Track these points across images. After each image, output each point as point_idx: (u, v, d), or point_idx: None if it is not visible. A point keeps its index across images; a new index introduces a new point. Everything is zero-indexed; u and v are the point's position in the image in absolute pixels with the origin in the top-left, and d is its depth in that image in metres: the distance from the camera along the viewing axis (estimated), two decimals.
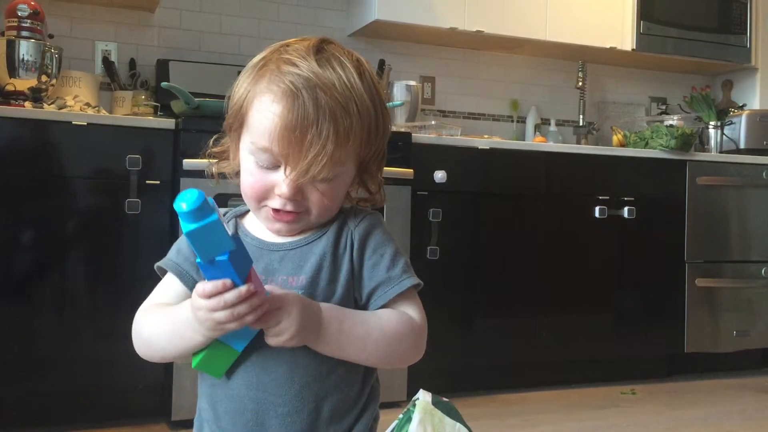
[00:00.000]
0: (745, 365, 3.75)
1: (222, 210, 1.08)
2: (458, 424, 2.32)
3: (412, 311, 1.00)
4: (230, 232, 0.98)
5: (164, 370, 2.63)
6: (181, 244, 1.05)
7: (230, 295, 0.85)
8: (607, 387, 3.33)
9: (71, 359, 2.55)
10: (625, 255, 3.43)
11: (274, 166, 0.95)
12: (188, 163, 2.58)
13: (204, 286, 0.86)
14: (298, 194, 0.95)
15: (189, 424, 2.73)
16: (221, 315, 0.86)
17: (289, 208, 0.96)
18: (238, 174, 1.02)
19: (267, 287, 0.90)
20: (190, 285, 1.02)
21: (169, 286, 1.04)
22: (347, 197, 1.04)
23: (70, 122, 2.55)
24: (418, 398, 2.32)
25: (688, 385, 3.44)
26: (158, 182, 2.63)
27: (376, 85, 0.99)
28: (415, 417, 2.25)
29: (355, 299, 1.00)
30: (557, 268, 3.30)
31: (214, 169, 1.08)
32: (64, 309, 2.55)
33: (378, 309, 0.99)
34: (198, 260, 0.85)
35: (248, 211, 1.05)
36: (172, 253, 1.06)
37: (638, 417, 2.90)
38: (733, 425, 2.81)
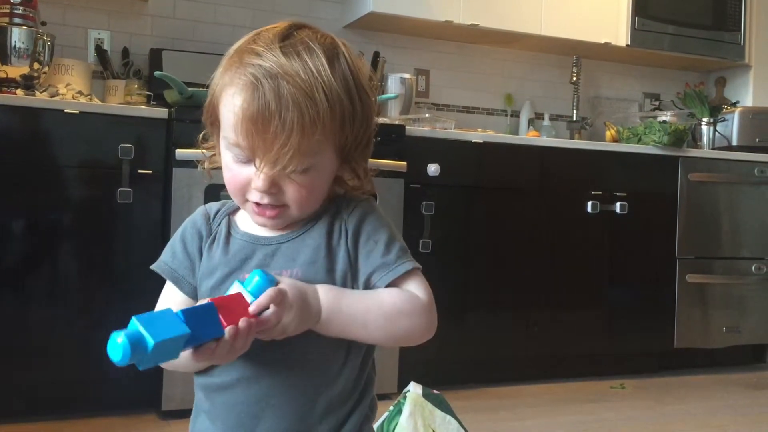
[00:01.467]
0: (734, 361, 3.77)
1: (215, 205, 1.08)
2: (448, 417, 2.33)
3: (415, 289, 0.99)
4: (223, 228, 1.01)
5: None
6: (176, 246, 1.04)
7: (221, 350, 0.85)
8: (597, 381, 3.34)
9: (62, 349, 2.54)
10: (616, 250, 3.44)
11: (248, 160, 0.94)
12: (181, 153, 2.57)
13: (195, 354, 0.86)
14: (273, 187, 0.93)
15: (179, 414, 2.75)
16: (221, 362, 0.90)
17: (266, 201, 0.95)
18: None
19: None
20: (188, 291, 1.02)
21: (169, 296, 1.04)
22: (340, 184, 1.02)
23: (62, 110, 2.54)
24: (409, 390, 2.34)
25: (678, 380, 3.46)
26: (150, 172, 2.62)
27: (352, 70, 0.95)
28: (406, 409, 2.26)
29: (353, 288, 0.99)
30: (549, 262, 3.30)
31: (206, 165, 1.07)
32: (55, 299, 2.54)
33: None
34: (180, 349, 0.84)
35: (238, 209, 1.05)
36: (166, 255, 1.05)
37: (628, 411, 2.92)
38: (722, 420, 2.83)
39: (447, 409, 2.25)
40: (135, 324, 0.81)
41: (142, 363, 0.80)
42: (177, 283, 1.02)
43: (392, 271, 0.98)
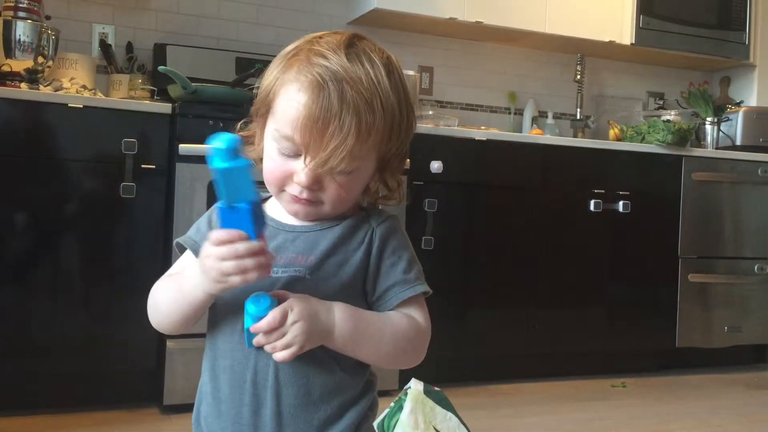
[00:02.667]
0: (736, 361, 3.77)
1: None
2: (449, 414, 2.33)
3: (419, 316, 1.03)
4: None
5: (157, 354, 2.64)
6: (201, 223, 1.08)
7: (242, 246, 0.88)
8: (598, 380, 3.34)
9: (64, 343, 2.54)
10: (618, 249, 3.44)
11: (296, 155, 0.96)
12: (184, 147, 2.58)
13: (218, 233, 0.89)
14: (315, 184, 0.97)
15: (181, 408, 2.75)
16: (228, 265, 0.89)
17: (305, 196, 0.98)
18: (262, 160, 1.03)
19: (275, 292, 0.94)
20: None
21: (185, 264, 1.07)
22: (367, 192, 1.06)
23: (66, 104, 2.54)
24: (410, 387, 2.34)
25: (679, 380, 3.46)
26: (154, 167, 2.63)
27: (403, 85, 1.00)
28: (407, 406, 2.27)
29: (366, 293, 1.03)
30: (551, 260, 3.30)
31: None
32: (58, 292, 2.55)
33: (388, 311, 1.02)
34: (220, 205, 0.89)
35: (267, 198, 1.07)
36: (191, 231, 1.08)
37: (628, 410, 2.92)
38: (723, 420, 2.83)
39: (448, 406, 2.25)
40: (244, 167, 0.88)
41: (228, 184, 0.87)
42: (197, 254, 1.04)
43: (410, 289, 1.02)
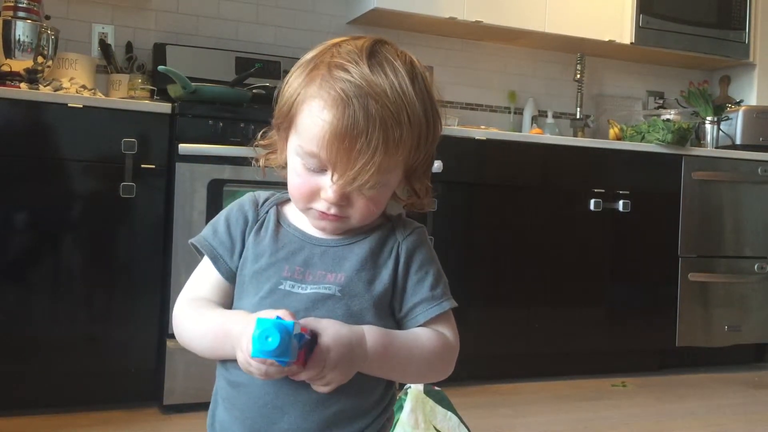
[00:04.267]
0: (736, 360, 3.77)
1: (264, 193, 1.07)
2: (449, 413, 2.33)
3: (447, 331, 1.03)
4: (272, 216, 1.02)
5: (157, 354, 2.63)
6: (219, 225, 1.04)
7: (272, 370, 0.87)
8: (598, 379, 3.34)
9: (64, 342, 2.54)
10: (618, 248, 3.44)
11: (321, 170, 0.94)
12: (184, 147, 2.58)
13: (252, 361, 0.87)
14: (343, 200, 0.95)
15: (181, 408, 2.75)
16: (259, 375, 0.89)
17: (333, 212, 0.96)
18: (284, 167, 1.02)
19: (309, 322, 0.91)
20: (224, 272, 1.02)
21: (205, 275, 1.04)
22: (396, 199, 1.04)
23: (66, 104, 2.54)
24: (410, 386, 2.34)
25: (679, 379, 3.46)
26: (153, 166, 2.63)
27: (428, 89, 0.98)
28: (407, 405, 2.27)
29: (393, 309, 1.01)
30: (551, 259, 3.30)
31: (261, 162, 1.07)
32: (58, 292, 2.55)
33: (417, 327, 1.01)
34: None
35: (289, 198, 1.05)
36: (207, 231, 1.05)
37: (629, 409, 2.92)
38: (723, 419, 2.83)
39: (448, 405, 2.25)
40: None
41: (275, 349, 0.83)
42: (215, 261, 1.02)
43: (438, 306, 1.01)
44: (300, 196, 0.97)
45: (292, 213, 1.04)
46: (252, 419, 0.97)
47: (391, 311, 1.01)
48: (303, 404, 0.95)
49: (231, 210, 1.05)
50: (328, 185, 0.93)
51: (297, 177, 0.97)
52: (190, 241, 1.06)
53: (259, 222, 1.03)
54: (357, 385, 0.95)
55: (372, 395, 0.99)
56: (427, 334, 1.00)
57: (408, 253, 1.01)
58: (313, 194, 0.96)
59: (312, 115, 0.92)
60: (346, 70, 0.91)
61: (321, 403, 0.95)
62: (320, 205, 0.96)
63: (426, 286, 1.01)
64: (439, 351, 1.01)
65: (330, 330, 0.91)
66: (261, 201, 1.06)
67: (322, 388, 0.92)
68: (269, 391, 0.95)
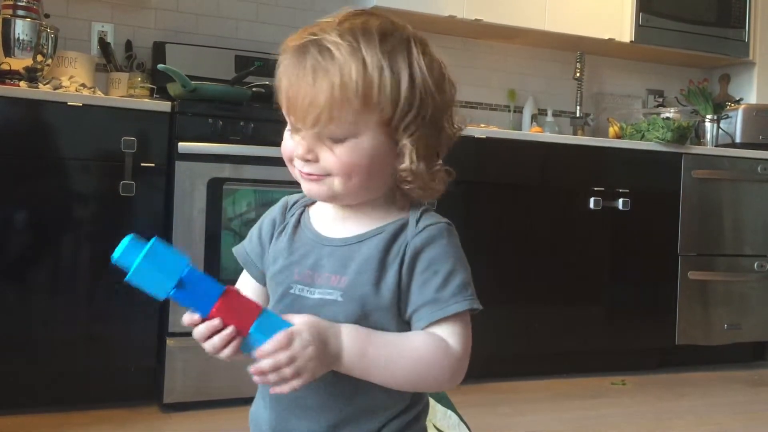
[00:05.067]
0: (735, 358, 3.77)
1: (296, 195, 1.08)
2: (449, 411, 2.33)
3: (452, 337, 0.94)
4: (294, 218, 1.03)
5: (157, 353, 2.63)
6: (253, 231, 1.07)
7: (197, 332, 0.90)
8: (597, 378, 3.34)
9: (64, 341, 2.54)
10: (618, 247, 3.44)
11: (296, 130, 0.95)
12: (184, 146, 2.58)
13: (184, 318, 0.90)
14: (309, 153, 0.93)
15: (180, 406, 2.75)
16: (206, 347, 0.90)
17: (305, 169, 0.95)
18: None
19: (287, 317, 0.90)
20: (256, 276, 1.06)
21: (244, 279, 1.09)
22: (400, 182, 0.98)
23: (66, 103, 2.54)
24: None
25: (679, 377, 3.46)
26: (153, 165, 2.62)
27: (410, 54, 0.97)
28: None
29: (400, 311, 0.96)
30: (550, 258, 3.30)
31: None
32: (57, 291, 2.55)
33: (417, 330, 0.95)
34: (164, 294, 0.87)
35: (312, 203, 1.06)
36: (246, 239, 1.08)
37: (628, 408, 2.92)
38: (723, 418, 2.83)
39: (447, 403, 2.25)
40: (153, 242, 0.89)
41: (130, 270, 0.88)
42: (246, 265, 1.07)
43: (441, 310, 0.94)
44: (285, 159, 0.99)
45: (315, 213, 1.04)
46: (277, 410, 0.99)
47: (400, 317, 0.96)
48: (320, 401, 0.96)
49: (265, 216, 1.08)
50: (296, 140, 0.95)
51: (283, 142, 0.98)
52: (232, 248, 1.11)
53: (283, 225, 1.05)
54: (361, 382, 0.94)
55: (385, 395, 0.96)
56: (421, 338, 0.94)
57: (414, 252, 0.95)
58: (290, 155, 0.97)
59: (278, 73, 0.95)
60: (316, 24, 0.95)
61: (343, 398, 0.95)
62: (297, 164, 0.96)
63: (431, 287, 0.94)
64: (430, 357, 0.93)
65: (304, 317, 0.90)
66: (290, 204, 1.07)
67: (293, 382, 0.87)
68: (289, 396, 0.94)
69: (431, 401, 2.22)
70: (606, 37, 3.85)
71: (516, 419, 2.71)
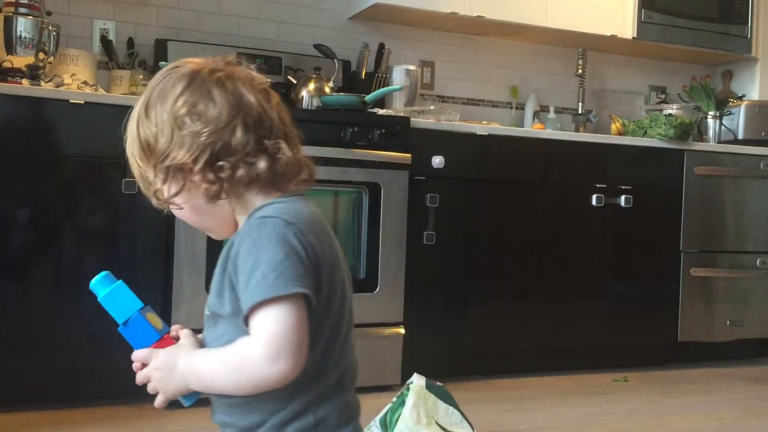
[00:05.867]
0: (738, 355, 3.76)
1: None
2: (451, 408, 2.33)
3: (255, 330, 0.93)
4: None
5: None
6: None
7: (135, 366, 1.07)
8: (600, 374, 3.34)
9: (67, 338, 2.55)
10: (621, 243, 3.43)
11: None
12: None
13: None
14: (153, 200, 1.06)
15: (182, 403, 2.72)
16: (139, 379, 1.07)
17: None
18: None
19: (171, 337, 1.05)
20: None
21: None
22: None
23: (67, 100, 2.54)
24: (412, 382, 2.34)
25: (681, 374, 3.46)
26: None
27: (150, 90, 1.03)
28: (409, 400, 2.27)
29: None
30: (553, 254, 3.30)
31: None
32: (60, 288, 2.55)
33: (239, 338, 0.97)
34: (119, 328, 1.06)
35: None
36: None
37: (630, 404, 2.92)
38: (725, 414, 2.83)
39: (450, 400, 2.25)
40: (116, 284, 1.10)
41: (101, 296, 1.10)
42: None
43: (246, 308, 0.93)
44: None
45: None
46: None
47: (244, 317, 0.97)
48: (215, 397, 1.04)
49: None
50: None
51: None
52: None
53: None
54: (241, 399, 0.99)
55: (264, 405, 0.99)
56: (232, 347, 0.95)
57: (235, 252, 0.96)
58: None
59: None
60: None
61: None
62: None
63: (242, 284, 0.94)
64: (234, 361, 0.94)
65: (183, 338, 1.03)
66: None
67: (157, 398, 1.05)
68: None
69: (433, 397, 2.22)
70: (608, 34, 3.85)
71: (518, 415, 2.71)
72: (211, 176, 0.98)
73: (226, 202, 1.02)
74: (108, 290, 1.07)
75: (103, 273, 1.08)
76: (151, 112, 1.00)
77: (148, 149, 1.00)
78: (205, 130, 0.97)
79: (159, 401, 1.03)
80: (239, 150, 0.98)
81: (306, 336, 0.93)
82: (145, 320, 1.02)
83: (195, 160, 0.97)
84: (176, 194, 1.01)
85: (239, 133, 0.97)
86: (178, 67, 1.03)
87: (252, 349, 0.92)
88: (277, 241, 0.93)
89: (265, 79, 1.06)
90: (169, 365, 1.00)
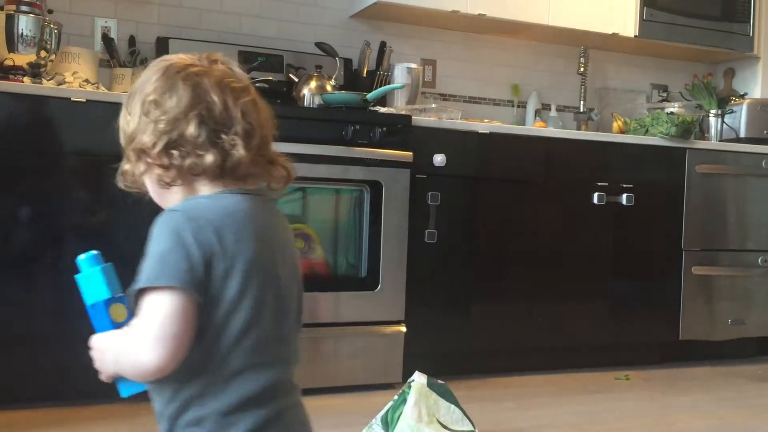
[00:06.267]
0: (739, 353, 3.76)
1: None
2: (453, 406, 2.33)
3: (138, 319, 1.02)
4: None
5: None
6: None
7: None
8: (601, 372, 3.34)
9: (68, 336, 2.54)
10: (622, 242, 3.43)
11: None
12: None
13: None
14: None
15: None
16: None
17: None
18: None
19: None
20: None
21: None
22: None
23: (69, 98, 2.54)
24: (413, 380, 2.34)
25: (682, 372, 3.46)
26: None
27: (136, 82, 1.15)
28: (411, 398, 2.27)
29: None
30: (554, 253, 3.30)
31: None
32: (60, 286, 2.55)
33: None
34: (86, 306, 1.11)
35: None
36: None
37: (631, 403, 2.92)
38: (726, 413, 2.83)
39: (451, 398, 2.25)
40: (100, 268, 1.16)
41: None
42: None
43: (132, 291, 1.03)
44: None
45: None
46: None
47: None
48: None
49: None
50: None
51: None
52: None
53: None
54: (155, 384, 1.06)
55: (162, 394, 1.07)
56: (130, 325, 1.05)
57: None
58: None
59: None
60: None
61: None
62: None
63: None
64: (120, 348, 1.05)
65: (122, 330, 1.09)
66: None
67: (101, 375, 1.12)
68: None
69: (434, 395, 2.22)
70: (610, 32, 3.84)
71: (519, 414, 2.71)
72: (165, 161, 1.07)
73: (180, 189, 1.11)
74: (86, 272, 1.12)
75: (92, 252, 1.13)
76: (130, 101, 1.12)
77: (124, 135, 1.13)
78: (162, 117, 1.07)
79: (103, 378, 1.13)
80: (190, 141, 1.06)
81: (186, 328, 0.99)
82: (106, 311, 1.09)
83: (153, 145, 1.07)
84: (141, 175, 1.14)
85: (192, 125, 1.06)
86: (162, 61, 1.13)
87: (135, 334, 1.01)
88: (169, 235, 1.02)
89: (244, 78, 1.17)
90: (102, 348, 1.09)
